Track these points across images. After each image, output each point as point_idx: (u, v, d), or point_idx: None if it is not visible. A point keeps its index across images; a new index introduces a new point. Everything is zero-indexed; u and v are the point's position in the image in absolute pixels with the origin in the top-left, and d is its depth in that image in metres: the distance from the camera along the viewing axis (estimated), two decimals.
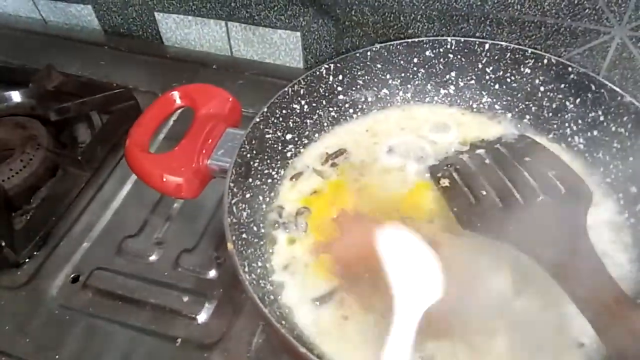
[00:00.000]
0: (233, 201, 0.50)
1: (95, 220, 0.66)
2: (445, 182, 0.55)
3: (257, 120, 0.55)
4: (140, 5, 0.84)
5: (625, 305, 0.37)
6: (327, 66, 0.60)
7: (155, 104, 0.56)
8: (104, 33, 0.92)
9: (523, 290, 0.48)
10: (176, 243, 0.63)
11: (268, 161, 0.58)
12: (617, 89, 0.53)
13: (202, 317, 0.57)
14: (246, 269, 0.47)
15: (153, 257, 0.62)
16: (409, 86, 0.65)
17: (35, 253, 0.63)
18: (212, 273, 0.60)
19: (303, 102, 0.60)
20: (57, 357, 0.53)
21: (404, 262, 0.51)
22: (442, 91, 0.65)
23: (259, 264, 0.51)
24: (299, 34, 0.79)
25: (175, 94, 0.56)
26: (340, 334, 0.48)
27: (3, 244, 0.60)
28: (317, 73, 0.59)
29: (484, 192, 0.52)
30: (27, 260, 0.62)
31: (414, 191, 0.56)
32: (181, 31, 0.86)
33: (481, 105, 0.64)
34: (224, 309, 0.57)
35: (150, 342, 0.55)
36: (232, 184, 0.50)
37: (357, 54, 0.60)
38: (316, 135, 0.63)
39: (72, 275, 0.61)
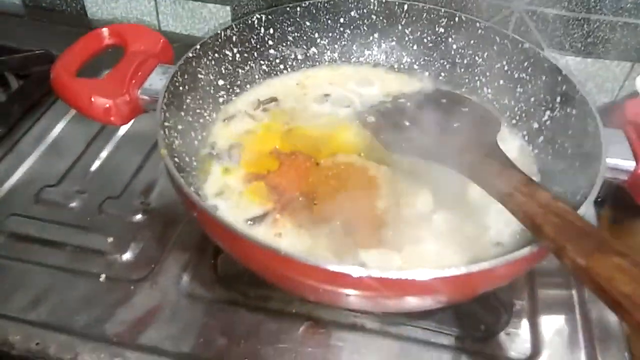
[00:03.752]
0: (166, 124, 0.50)
1: (9, 173, 0.62)
2: (371, 119, 0.59)
3: (190, 55, 0.56)
4: None
5: (532, 186, 0.42)
6: (258, 16, 0.62)
7: (83, 38, 0.55)
8: (24, 7, 0.89)
9: (443, 205, 0.51)
10: (100, 191, 0.61)
11: (200, 101, 0.58)
12: (518, 37, 0.60)
13: (127, 256, 0.54)
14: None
15: (74, 204, 0.59)
16: (336, 46, 0.69)
17: None
18: (139, 217, 0.58)
19: (235, 50, 0.62)
20: None
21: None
22: (367, 52, 0.69)
23: (192, 189, 0.51)
24: (228, 8, 0.81)
25: (105, 31, 0.56)
26: None
27: None
28: (249, 22, 0.62)
29: (407, 123, 0.56)
30: None
31: (341, 130, 0.59)
32: (107, 5, 0.86)
33: (402, 65, 0.69)
34: (151, 249, 0.55)
35: (70, 278, 0.52)
36: (164, 107, 0.50)
37: (287, 8, 0.64)
38: (247, 85, 0.64)
39: None
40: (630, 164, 0.48)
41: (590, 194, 0.43)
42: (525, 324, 0.51)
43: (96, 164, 0.65)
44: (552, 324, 0.51)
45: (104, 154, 0.66)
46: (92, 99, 0.49)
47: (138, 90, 0.52)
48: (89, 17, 0.87)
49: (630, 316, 0.30)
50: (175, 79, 0.53)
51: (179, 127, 0.54)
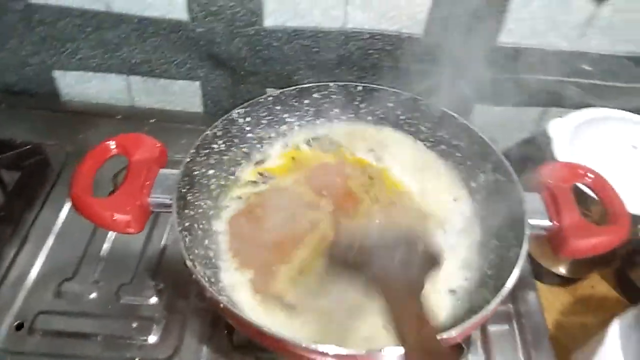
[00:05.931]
0: (178, 228, 0.59)
1: (27, 270, 0.69)
2: None
3: (188, 159, 0.65)
4: (38, 64, 0.88)
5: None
6: (238, 111, 0.72)
7: (92, 152, 0.62)
8: None
9: None
10: (113, 279, 0.69)
11: (197, 194, 0.67)
12: (452, 113, 0.73)
13: (152, 339, 0.64)
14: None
15: (93, 295, 0.67)
16: (303, 122, 0.79)
17: None
18: (153, 299, 0.67)
19: (220, 142, 0.71)
20: None
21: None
22: (328, 124, 0.81)
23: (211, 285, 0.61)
24: (198, 83, 0.90)
25: (111, 143, 0.64)
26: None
27: None
28: (231, 117, 0.71)
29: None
30: None
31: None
32: (80, 86, 0.91)
33: None
34: (172, 327, 0.65)
35: None
36: (177, 214, 0.59)
37: (261, 100, 0.74)
38: (232, 168, 0.74)
39: (15, 323, 0.63)
40: (546, 223, 0.62)
41: (521, 255, 0.57)
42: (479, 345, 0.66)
43: (105, 248, 0.73)
44: (498, 337, 0.67)
45: (110, 237, 0.74)
46: (114, 218, 0.58)
47: (148, 198, 0.61)
48: (62, 97, 0.93)
49: None
50: (179, 184, 0.62)
51: (186, 224, 0.63)
